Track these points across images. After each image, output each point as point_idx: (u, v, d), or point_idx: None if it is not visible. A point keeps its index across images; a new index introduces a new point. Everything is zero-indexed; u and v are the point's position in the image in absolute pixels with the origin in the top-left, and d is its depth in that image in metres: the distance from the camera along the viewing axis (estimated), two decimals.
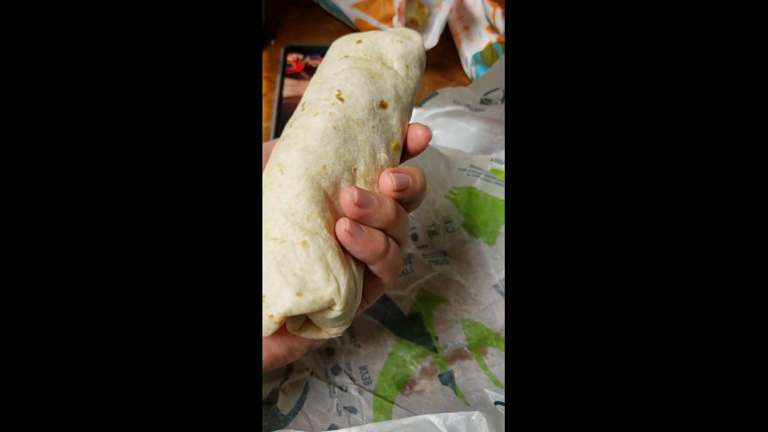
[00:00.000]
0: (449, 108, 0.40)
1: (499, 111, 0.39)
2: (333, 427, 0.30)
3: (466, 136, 0.42)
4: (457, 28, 0.56)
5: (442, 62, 0.57)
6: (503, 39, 0.52)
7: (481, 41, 0.52)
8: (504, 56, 0.34)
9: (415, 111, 0.42)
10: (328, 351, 0.35)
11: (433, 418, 0.23)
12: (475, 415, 0.23)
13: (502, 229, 0.39)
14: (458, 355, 0.34)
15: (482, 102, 0.37)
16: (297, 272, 0.18)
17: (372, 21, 0.58)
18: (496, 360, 0.34)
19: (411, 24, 0.59)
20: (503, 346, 0.34)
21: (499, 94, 0.36)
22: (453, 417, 0.23)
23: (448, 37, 0.60)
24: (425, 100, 0.40)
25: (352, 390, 0.32)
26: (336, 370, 0.34)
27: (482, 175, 0.39)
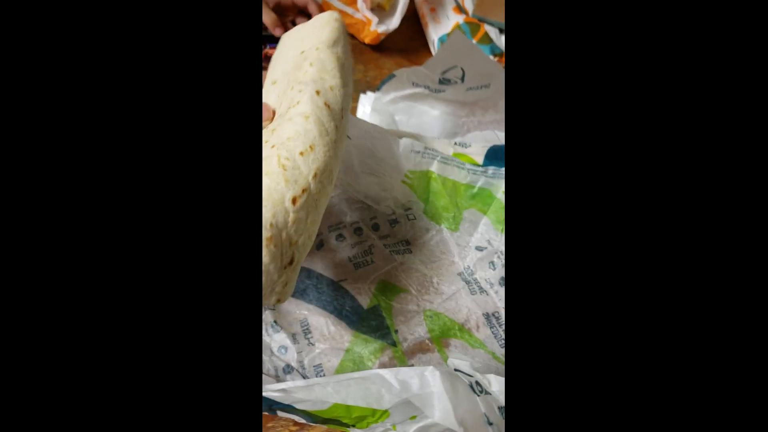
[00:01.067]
0: (409, 91, 0.42)
1: (460, 91, 0.40)
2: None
3: (429, 120, 0.43)
4: (423, 11, 0.58)
5: (408, 47, 0.59)
6: (471, 19, 0.54)
7: (448, 23, 0.54)
8: (457, 32, 0.36)
9: (373, 95, 0.44)
10: (279, 350, 0.36)
11: (383, 372, 0.23)
12: (429, 371, 0.23)
13: (466, 214, 0.40)
14: (419, 348, 0.35)
15: (441, 82, 0.39)
16: None
17: (337, 4, 0.61)
18: (459, 352, 0.35)
19: (378, 9, 0.61)
20: (467, 338, 0.36)
21: (458, 72, 0.38)
22: (405, 371, 0.23)
23: (415, 21, 0.62)
24: (383, 83, 0.42)
25: None
26: (288, 369, 0.35)
27: (438, 158, 0.40)
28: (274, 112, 0.27)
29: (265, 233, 0.21)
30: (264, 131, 0.26)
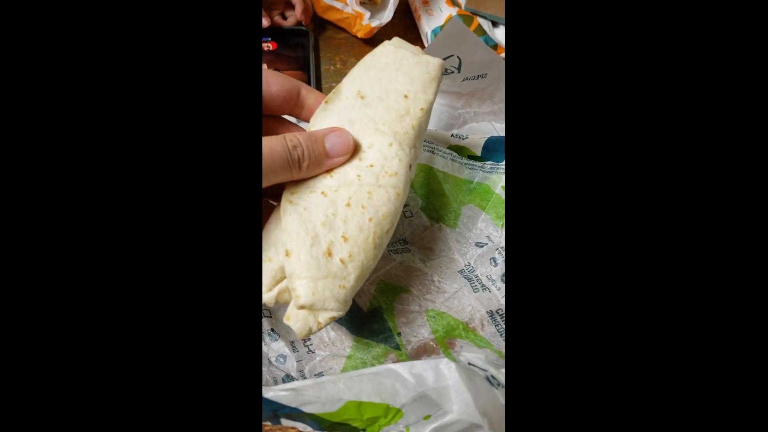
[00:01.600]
0: None
1: (456, 82, 0.41)
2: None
3: None
4: (416, 4, 0.59)
5: None
6: (464, 12, 0.55)
7: (441, 15, 0.55)
8: (454, 19, 0.36)
9: None
10: (278, 359, 0.36)
11: (396, 366, 0.23)
12: (443, 363, 0.23)
13: (464, 210, 0.40)
14: (423, 350, 0.35)
15: None
16: None
17: None
18: (466, 353, 0.35)
19: (369, 3, 0.61)
20: (473, 337, 0.36)
21: (454, 61, 0.38)
22: (419, 365, 0.23)
23: (408, 15, 0.62)
24: None
25: None
26: (287, 379, 0.35)
27: (436, 152, 0.40)
28: (356, 147, 0.28)
29: (348, 297, 0.26)
30: (347, 168, 0.28)
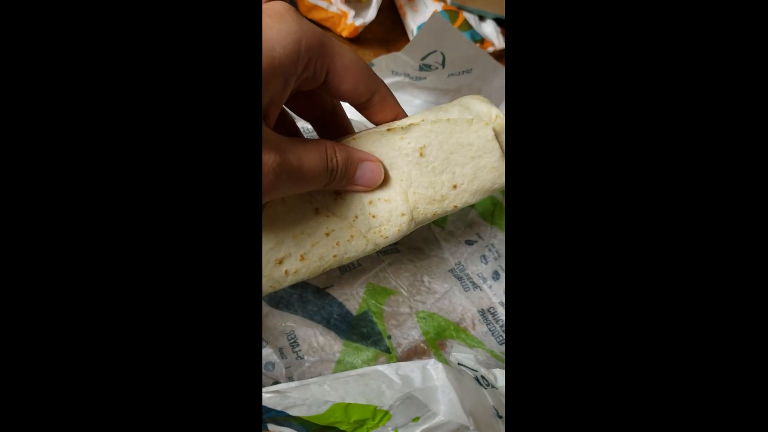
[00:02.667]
0: (389, 80, 0.42)
1: (441, 78, 0.41)
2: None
3: (411, 110, 0.44)
4: (401, 0, 0.59)
5: (387, 38, 0.61)
6: (450, 7, 0.56)
7: (426, 11, 0.56)
8: (435, 14, 0.37)
9: None
10: (266, 367, 0.36)
11: (383, 367, 0.24)
12: (431, 364, 0.23)
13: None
14: (414, 352, 0.35)
15: (421, 69, 0.40)
16: None
17: None
18: (457, 353, 0.35)
19: (354, 1, 0.62)
20: (464, 337, 0.36)
21: (438, 57, 0.39)
22: (405, 366, 0.23)
23: (393, 10, 0.63)
24: None
25: None
26: None
27: None
28: (386, 178, 0.27)
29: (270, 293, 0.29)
30: (353, 201, 0.28)
